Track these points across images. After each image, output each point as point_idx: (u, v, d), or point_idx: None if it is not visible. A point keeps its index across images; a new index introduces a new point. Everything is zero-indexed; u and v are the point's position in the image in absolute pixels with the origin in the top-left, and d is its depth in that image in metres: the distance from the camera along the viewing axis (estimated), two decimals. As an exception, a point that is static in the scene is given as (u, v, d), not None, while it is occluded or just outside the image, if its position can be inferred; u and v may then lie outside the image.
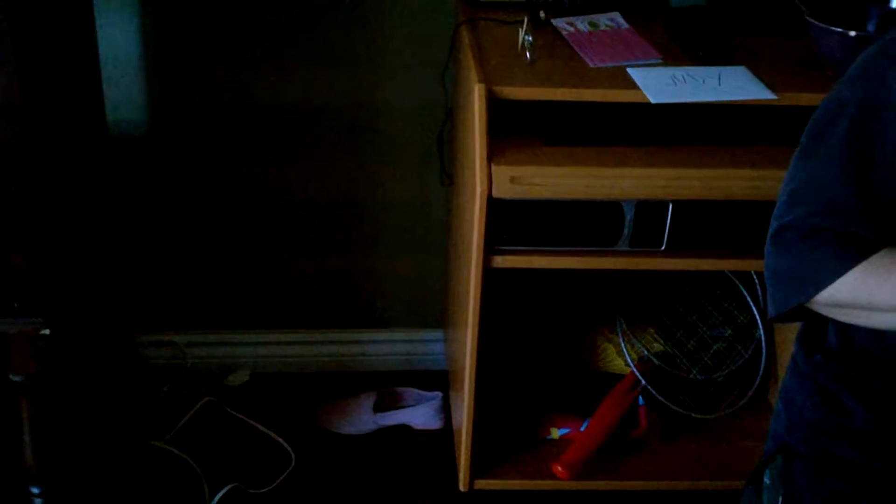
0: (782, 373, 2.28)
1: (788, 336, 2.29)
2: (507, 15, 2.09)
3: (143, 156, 2.35)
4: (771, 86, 1.85)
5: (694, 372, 2.34)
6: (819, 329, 1.39)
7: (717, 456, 2.23)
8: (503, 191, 1.83)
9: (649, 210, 1.89)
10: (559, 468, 2.14)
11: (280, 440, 2.37)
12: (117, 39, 2.22)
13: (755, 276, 2.30)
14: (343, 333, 2.59)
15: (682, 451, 2.25)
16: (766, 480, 1.44)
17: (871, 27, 1.91)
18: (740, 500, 1.55)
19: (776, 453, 1.42)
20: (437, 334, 2.60)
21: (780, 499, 1.37)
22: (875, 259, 1.20)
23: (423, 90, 2.30)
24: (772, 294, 1.30)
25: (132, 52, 2.24)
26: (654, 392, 2.27)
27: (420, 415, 2.44)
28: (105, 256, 2.26)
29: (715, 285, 2.37)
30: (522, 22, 1.97)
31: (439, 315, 2.58)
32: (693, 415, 2.29)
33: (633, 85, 1.83)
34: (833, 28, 1.83)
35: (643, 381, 2.27)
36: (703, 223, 2.00)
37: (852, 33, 1.81)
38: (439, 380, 2.53)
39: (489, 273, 1.92)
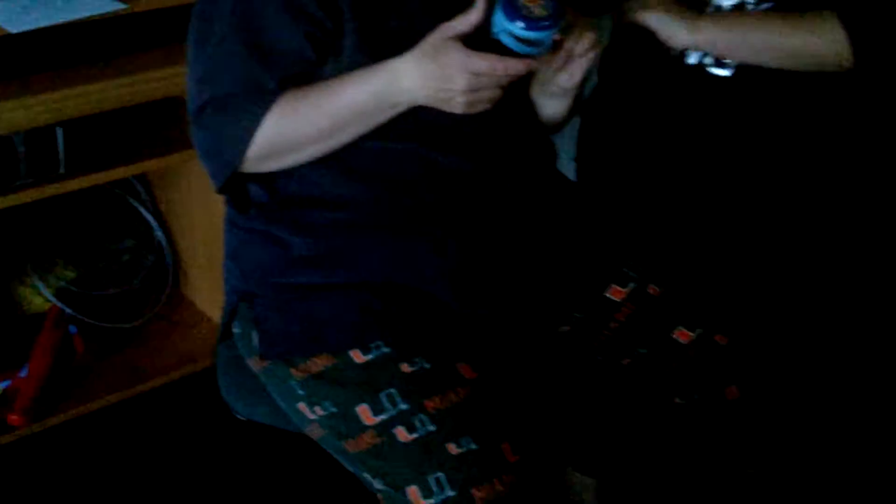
0: (191, 265, 2.49)
1: (189, 228, 2.48)
2: None
3: None
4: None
5: (112, 288, 2.44)
6: (243, 189, 1.57)
7: (163, 351, 2.37)
8: None
9: (41, 137, 1.93)
10: (14, 417, 2.14)
11: None
12: None
13: (136, 183, 2.44)
14: None
15: (128, 360, 2.35)
16: (237, 330, 1.59)
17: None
18: (216, 362, 1.71)
19: (239, 303, 1.58)
20: None
21: (256, 337, 1.53)
22: (281, 103, 1.39)
23: None
24: (210, 171, 1.45)
25: None
26: (81, 317, 2.34)
27: None
28: None
29: (107, 202, 2.47)
30: None
31: None
32: (124, 326, 2.41)
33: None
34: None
35: (68, 310, 2.33)
36: (97, 138, 2.08)
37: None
38: None
39: None
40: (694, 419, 1.72)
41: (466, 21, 1.36)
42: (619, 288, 1.67)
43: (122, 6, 1.95)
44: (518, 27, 1.35)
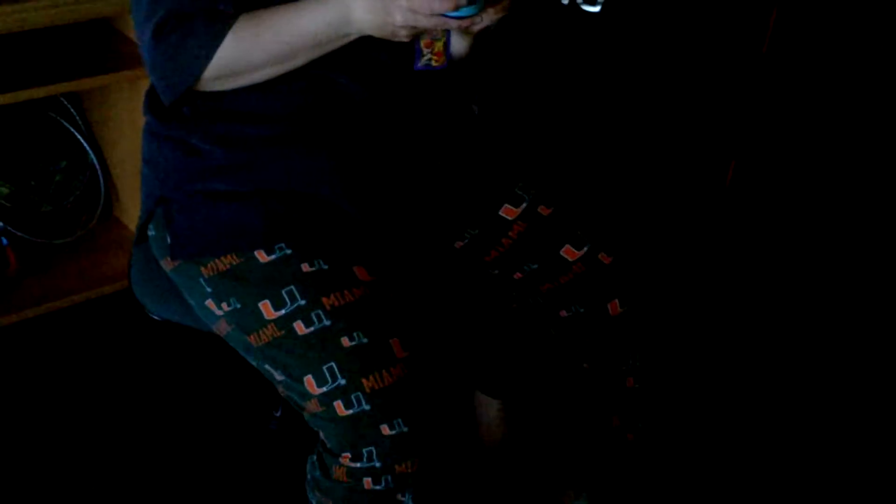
0: (122, 188, 2.59)
1: (121, 152, 2.57)
2: None
3: None
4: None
5: (45, 205, 2.54)
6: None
7: (92, 267, 2.48)
8: None
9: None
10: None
11: None
12: None
13: (69, 106, 2.53)
14: None
15: (58, 274, 2.45)
16: (151, 233, 1.70)
17: None
18: (130, 262, 1.82)
19: (155, 207, 1.67)
20: None
21: (169, 239, 1.63)
22: (239, 26, 1.49)
23: None
24: (162, 87, 1.53)
25: None
26: (13, 230, 2.44)
27: None
28: None
29: (44, 125, 2.55)
30: None
31: None
32: (55, 241, 2.51)
33: None
34: None
35: (0, 224, 2.43)
36: (27, 57, 2.17)
37: None
38: None
39: None
40: (578, 331, 1.86)
41: None
42: (511, 207, 1.80)
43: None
44: None
